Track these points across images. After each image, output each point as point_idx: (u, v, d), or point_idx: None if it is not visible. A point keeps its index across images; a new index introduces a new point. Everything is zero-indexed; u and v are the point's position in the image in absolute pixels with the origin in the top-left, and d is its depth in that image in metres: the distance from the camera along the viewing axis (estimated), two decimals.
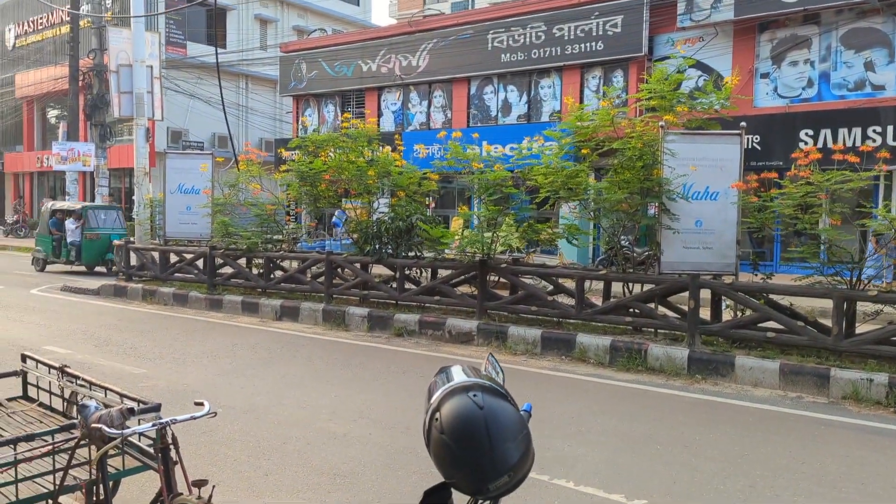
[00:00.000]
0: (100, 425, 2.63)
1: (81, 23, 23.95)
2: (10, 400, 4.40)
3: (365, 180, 10.67)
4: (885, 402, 6.50)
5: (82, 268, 17.45)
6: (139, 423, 2.80)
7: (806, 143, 15.43)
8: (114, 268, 16.03)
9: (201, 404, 2.89)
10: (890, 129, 14.89)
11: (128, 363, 7.87)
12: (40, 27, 32.20)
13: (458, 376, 1.82)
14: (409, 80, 22.39)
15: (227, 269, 12.44)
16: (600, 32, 18.75)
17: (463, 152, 9.73)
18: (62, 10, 27.28)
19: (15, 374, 4.38)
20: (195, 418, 2.85)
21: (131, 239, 14.73)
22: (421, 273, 11.16)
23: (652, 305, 8.49)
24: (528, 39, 19.90)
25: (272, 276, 11.75)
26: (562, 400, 6.74)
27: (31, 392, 4.45)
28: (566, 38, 19.31)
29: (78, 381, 3.85)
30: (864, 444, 5.51)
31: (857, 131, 15.17)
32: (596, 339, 8.35)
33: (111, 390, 3.59)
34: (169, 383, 7.04)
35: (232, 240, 12.07)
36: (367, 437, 5.54)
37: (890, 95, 15.65)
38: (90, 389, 3.70)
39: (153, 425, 2.75)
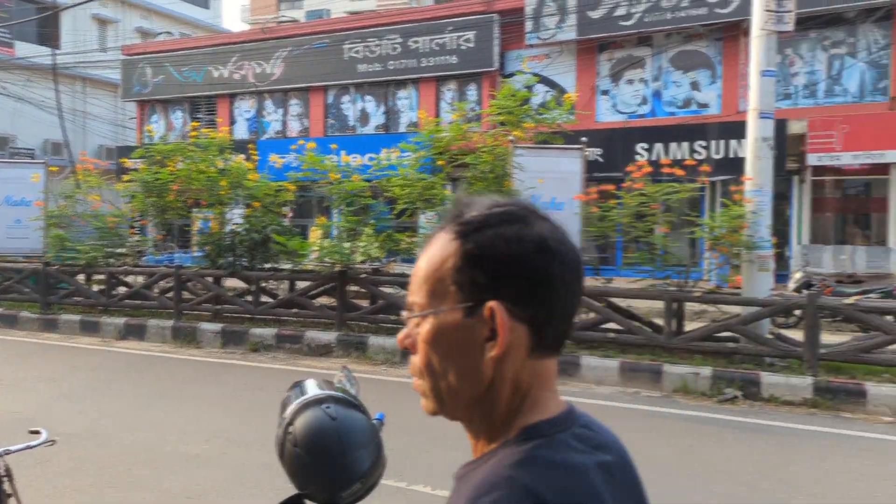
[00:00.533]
0: None
1: None
2: None
3: (217, 190, 10.33)
4: (709, 393, 7.17)
5: None
6: None
7: (642, 156, 16.66)
8: None
9: (37, 432, 2.72)
10: (713, 143, 16.41)
11: None
12: None
13: (312, 389, 1.84)
14: (263, 88, 21.89)
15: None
16: (454, 46, 19.28)
17: (320, 162, 9.68)
18: None
19: None
20: (31, 447, 2.67)
21: None
22: (278, 285, 10.95)
23: None
24: (384, 51, 20.09)
25: (114, 292, 11.06)
26: (418, 407, 6.86)
27: None
28: (421, 50, 19.69)
29: None
30: (690, 433, 6.06)
31: (686, 145, 16.58)
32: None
33: None
34: None
35: (69, 255, 11.22)
36: (221, 456, 5.38)
37: (713, 113, 17.28)
38: None
39: None
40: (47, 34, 27.05)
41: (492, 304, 0.84)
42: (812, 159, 15.48)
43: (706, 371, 7.29)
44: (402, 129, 20.34)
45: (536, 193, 8.72)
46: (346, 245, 9.76)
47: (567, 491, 0.81)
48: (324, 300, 10.26)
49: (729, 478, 4.94)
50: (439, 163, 9.54)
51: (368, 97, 21.04)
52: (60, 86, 26.16)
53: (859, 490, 4.72)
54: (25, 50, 25.72)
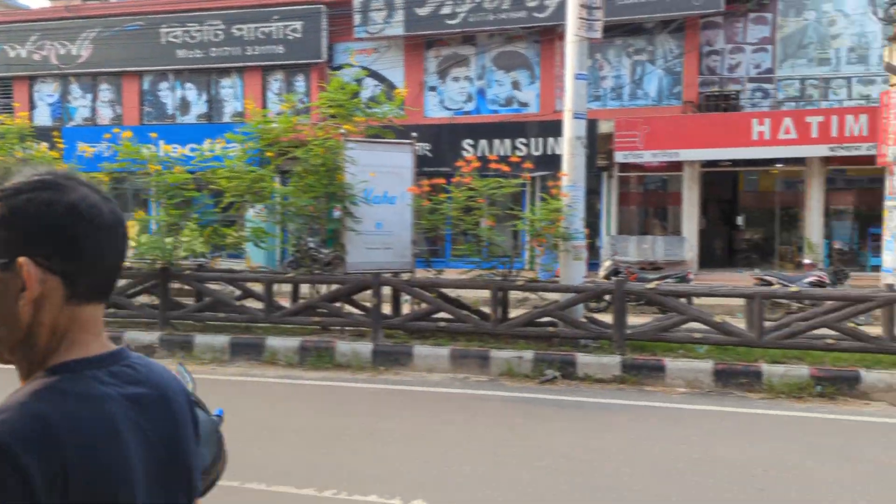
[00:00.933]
0: None
1: None
2: None
3: None
4: (531, 375, 7.67)
5: None
6: None
7: (468, 152, 17.31)
8: None
9: None
10: (533, 141, 17.40)
11: None
12: None
13: None
14: (68, 71, 20.08)
15: None
16: (281, 36, 18.84)
17: (138, 152, 9.12)
18: None
19: None
20: None
21: None
22: None
23: (338, 304, 8.88)
24: (205, 37, 19.19)
25: None
26: (253, 404, 6.74)
27: None
28: (246, 38, 19.05)
29: None
30: (515, 412, 6.47)
31: (509, 142, 17.44)
32: (286, 341, 8.47)
33: None
34: None
35: None
36: None
37: (533, 112, 18.31)
38: None
39: None
40: None
41: (21, 259, 0.96)
42: (619, 157, 16.90)
43: (528, 355, 7.78)
44: (226, 119, 19.56)
45: (369, 187, 8.84)
46: (168, 240, 9.29)
47: (75, 416, 0.94)
48: (144, 299, 9.69)
49: (551, 451, 5.34)
50: (268, 155, 9.34)
51: (189, 85, 20.01)
52: None
53: (658, 453, 5.31)
54: None
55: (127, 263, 9.51)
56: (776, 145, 16.16)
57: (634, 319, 10.39)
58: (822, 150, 16.10)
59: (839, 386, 7.05)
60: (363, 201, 8.80)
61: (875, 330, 7.73)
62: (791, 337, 7.54)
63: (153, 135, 9.91)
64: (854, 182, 18.01)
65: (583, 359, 7.70)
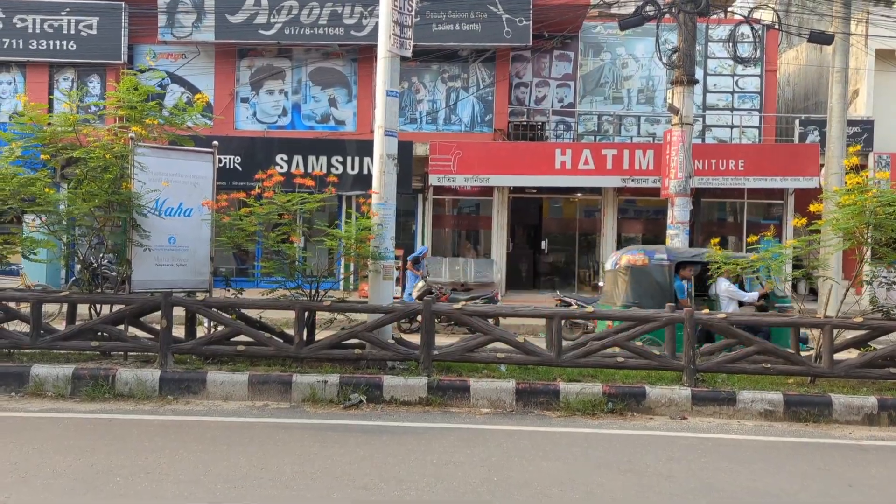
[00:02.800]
0: None
1: None
2: None
3: None
4: (336, 400, 7.32)
5: None
6: None
7: (281, 167, 16.69)
8: None
9: None
10: (349, 159, 17.15)
11: None
12: None
13: None
14: None
15: None
16: (73, 31, 17.13)
17: None
18: None
19: None
20: None
21: None
22: None
23: (122, 327, 7.98)
24: None
25: None
26: (6, 444, 5.77)
27: None
28: (31, 30, 17.08)
29: None
30: (315, 441, 6.09)
31: (325, 160, 17.07)
32: (56, 368, 7.44)
33: None
34: None
35: None
36: None
37: (349, 130, 18.09)
38: None
39: None
40: None
41: None
42: (433, 179, 17.14)
43: (334, 378, 7.44)
44: (3, 118, 17.35)
45: (162, 197, 8.09)
46: None
47: None
48: None
49: (350, 482, 5.04)
50: (43, 157, 8.24)
51: None
52: None
53: (460, 477, 5.19)
54: None
55: None
56: (577, 174, 17.25)
57: (445, 340, 10.43)
58: (616, 181, 17.41)
59: (628, 402, 7.42)
60: (153, 213, 8.02)
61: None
62: (586, 356, 7.85)
63: None
64: (642, 212, 19.69)
65: (389, 381, 7.49)
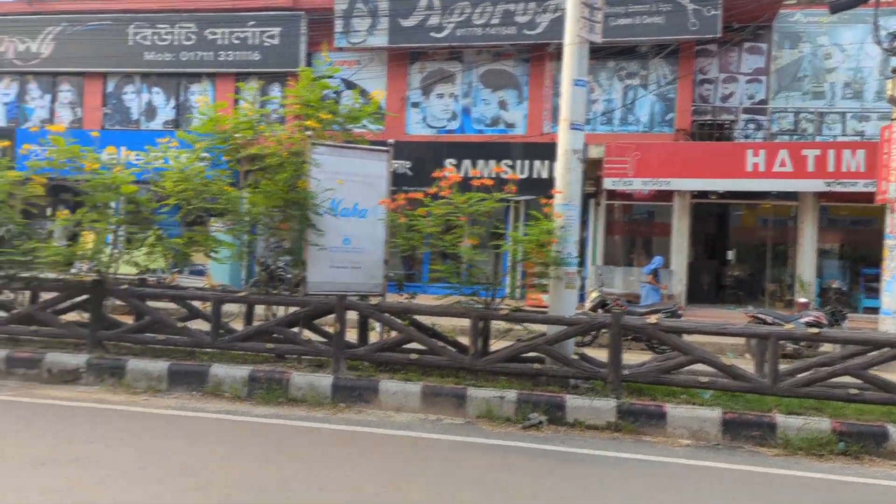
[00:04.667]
0: None
1: None
2: None
3: None
4: (514, 418, 6.64)
5: None
6: None
7: (451, 172, 16.40)
8: None
9: None
10: (519, 163, 16.55)
11: None
12: None
13: None
14: (27, 69, 18.90)
15: None
16: (257, 42, 17.92)
17: (74, 148, 8.03)
18: None
19: None
20: None
21: None
22: (15, 297, 8.92)
23: (297, 330, 7.80)
24: (176, 39, 18.18)
25: None
26: (184, 446, 5.63)
27: None
28: (220, 43, 18.09)
29: None
30: (495, 465, 5.43)
31: (493, 163, 16.58)
32: (233, 369, 7.36)
33: None
34: None
35: None
36: None
37: (519, 133, 17.48)
38: None
39: None
40: None
41: None
42: (607, 183, 16.08)
43: (511, 395, 6.76)
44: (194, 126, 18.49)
45: (337, 197, 7.85)
46: (107, 251, 8.17)
47: None
48: (75, 317, 8.54)
49: None
50: (225, 157, 8.30)
51: (157, 89, 18.94)
52: None
53: None
54: None
55: (54, 275, 8.43)
56: (771, 177, 15.48)
57: (627, 357, 9.45)
58: (818, 185, 15.44)
59: (865, 443, 6.12)
60: (329, 213, 7.78)
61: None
62: (809, 384, 6.61)
63: (95, 133, 8.83)
64: (846, 220, 17.38)
65: (573, 402, 6.69)
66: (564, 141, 7.46)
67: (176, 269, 13.78)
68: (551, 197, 7.56)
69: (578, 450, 5.98)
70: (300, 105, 8.07)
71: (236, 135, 7.97)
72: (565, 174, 7.47)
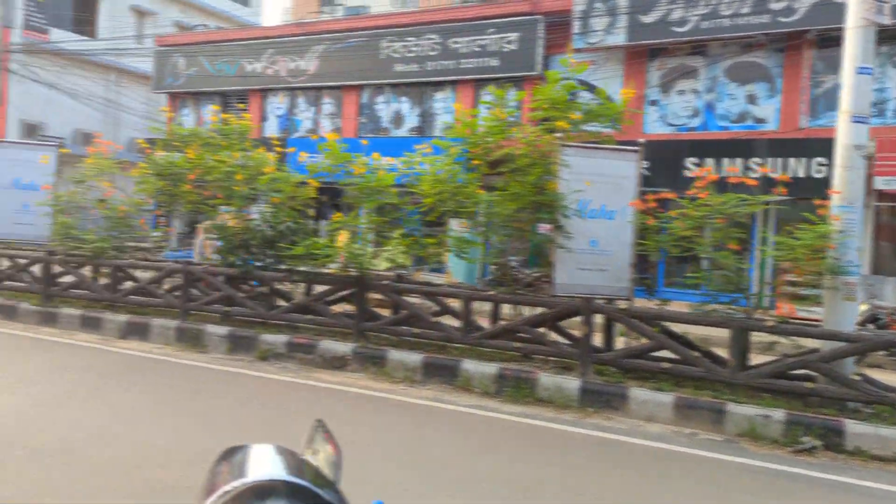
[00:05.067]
0: None
1: None
2: None
3: (231, 184, 9.49)
4: (781, 440, 6.09)
5: None
6: None
7: (691, 171, 15.56)
8: None
9: None
10: (770, 161, 15.24)
11: None
12: None
13: (257, 468, 1.22)
14: (296, 85, 21.20)
15: (69, 278, 10.84)
16: (496, 48, 18.40)
17: (346, 155, 8.82)
18: None
19: None
20: None
21: None
22: (293, 288, 10.01)
23: (542, 330, 7.86)
24: (422, 51, 19.28)
25: (119, 287, 10.29)
26: (443, 437, 5.92)
27: None
28: (461, 51, 18.84)
29: None
30: (767, 490, 5.01)
31: (740, 162, 15.44)
32: (482, 366, 7.60)
33: None
34: None
35: (74, 244, 10.47)
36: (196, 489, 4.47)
37: (770, 129, 16.10)
38: None
39: None
40: (83, 21, 26.76)
41: None
42: (879, 183, 14.22)
43: (778, 414, 6.21)
44: (436, 132, 19.46)
45: (584, 198, 7.77)
46: (369, 249, 8.86)
47: None
48: (341, 308, 9.37)
49: None
50: (474, 162, 8.58)
51: (404, 98, 20.22)
52: (93, 75, 25.89)
53: None
54: (59, 37, 25.41)
55: (332, 269, 9.30)
56: None
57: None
58: None
59: None
60: (576, 214, 7.73)
61: None
62: None
63: (364, 142, 9.65)
64: None
65: (854, 428, 5.98)
66: (844, 135, 6.70)
67: (418, 267, 14.61)
68: (817, 197, 6.83)
69: (863, 482, 5.33)
70: (548, 107, 8.10)
71: (487, 138, 8.20)
72: (844, 172, 6.70)
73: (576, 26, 17.23)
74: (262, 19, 35.20)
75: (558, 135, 7.75)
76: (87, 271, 10.79)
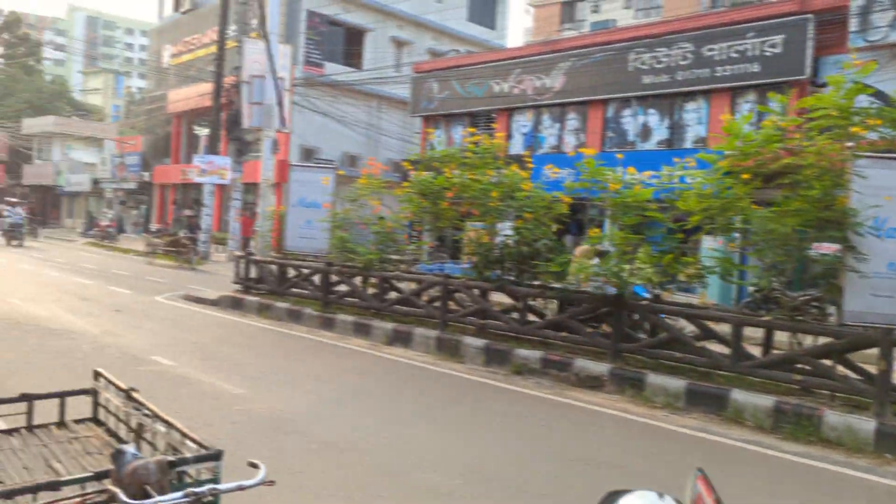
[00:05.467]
0: (117, 490, 2.02)
1: (227, 42, 24.89)
2: (77, 422, 3.82)
3: (486, 201, 9.82)
4: None
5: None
6: (181, 479, 2.30)
7: None
8: None
9: (256, 466, 2.21)
10: None
11: (228, 381, 7.37)
12: (192, 47, 34.06)
13: None
14: (541, 102, 21.51)
15: (343, 287, 11.97)
16: (756, 53, 17.09)
17: (601, 172, 8.69)
18: (212, 31, 28.63)
19: (86, 392, 3.81)
20: (243, 488, 2.17)
21: (252, 251, 14.65)
22: (546, 304, 10.07)
23: (828, 362, 7.04)
24: (672, 61, 18.53)
25: (386, 297, 11.12)
26: (716, 473, 5.50)
27: (101, 414, 3.86)
28: (716, 58, 17.79)
29: (143, 410, 3.20)
30: None
31: None
32: (755, 397, 6.99)
33: (173, 427, 2.89)
34: (266, 408, 6.43)
35: (348, 256, 11.57)
36: (476, 498, 4.61)
37: None
38: (153, 421, 3.03)
39: (185, 496, 2.07)
40: (351, 54, 29.69)
41: None
42: None
43: None
44: (686, 144, 18.56)
45: (881, 216, 6.85)
46: (626, 267, 8.60)
47: None
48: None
49: None
50: (744, 177, 7.95)
51: (652, 110, 19.56)
52: (357, 102, 28.61)
53: None
54: (332, 70, 28.44)
55: (584, 287, 9.21)
56: None
57: None
58: None
59: None
60: (871, 232, 6.83)
61: None
62: None
63: (619, 156, 9.46)
64: None
65: None
66: None
67: (669, 286, 13.93)
68: None
69: None
70: (836, 114, 7.26)
71: (763, 149, 7.57)
72: None
73: (853, 24, 15.43)
74: (507, 41, 36.36)
75: (850, 144, 6.91)
76: (357, 281, 11.82)
